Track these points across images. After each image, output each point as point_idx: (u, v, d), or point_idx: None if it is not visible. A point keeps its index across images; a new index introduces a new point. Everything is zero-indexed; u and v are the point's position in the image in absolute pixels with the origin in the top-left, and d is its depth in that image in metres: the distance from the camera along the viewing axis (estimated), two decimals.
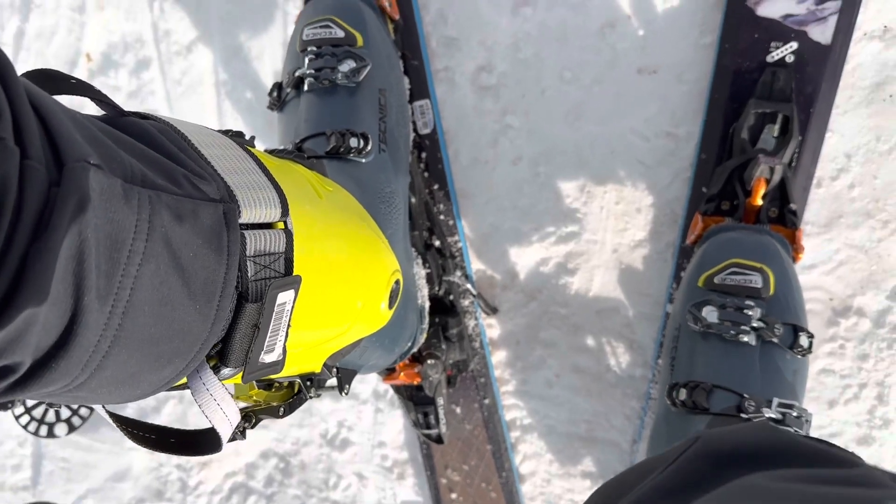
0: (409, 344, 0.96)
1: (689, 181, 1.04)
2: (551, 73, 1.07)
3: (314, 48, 0.90)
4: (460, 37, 1.09)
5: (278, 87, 0.93)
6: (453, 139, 1.14)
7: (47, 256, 0.36)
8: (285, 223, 0.56)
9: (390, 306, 0.81)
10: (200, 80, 1.22)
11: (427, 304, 0.98)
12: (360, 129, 0.86)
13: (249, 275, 0.50)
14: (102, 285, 0.39)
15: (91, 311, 0.39)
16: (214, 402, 0.51)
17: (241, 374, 0.53)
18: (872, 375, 1.05)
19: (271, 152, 0.76)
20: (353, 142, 0.82)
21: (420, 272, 0.99)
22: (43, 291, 0.36)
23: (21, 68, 1.27)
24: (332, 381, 0.76)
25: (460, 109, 1.12)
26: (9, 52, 1.29)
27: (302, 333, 0.61)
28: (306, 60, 0.89)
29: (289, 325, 0.55)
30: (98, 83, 1.27)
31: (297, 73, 0.89)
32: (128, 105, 1.27)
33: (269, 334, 0.53)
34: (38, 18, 1.27)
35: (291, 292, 0.54)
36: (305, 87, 0.89)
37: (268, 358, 0.54)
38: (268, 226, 0.54)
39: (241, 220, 0.50)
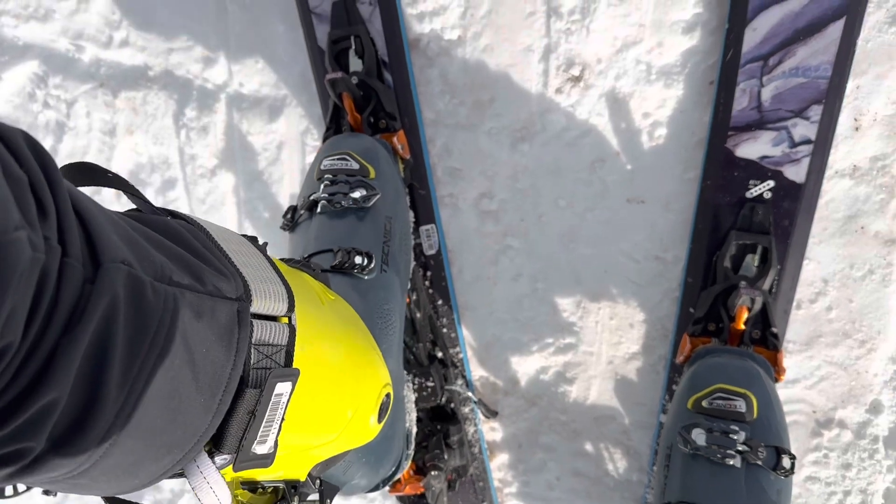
0: (394, 469, 0.97)
1: (677, 301, 1.12)
2: (547, 200, 1.15)
3: (330, 176, 0.98)
4: (463, 167, 1.18)
5: (293, 209, 1.01)
6: (457, 258, 1.22)
7: (75, 349, 0.39)
8: (290, 318, 0.59)
9: (379, 420, 0.83)
10: (223, 200, 1.31)
11: (414, 430, 1.01)
12: (364, 248, 0.91)
13: (252, 362, 0.53)
14: (120, 376, 0.42)
15: (107, 399, 0.41)
16: (207, 485, 0.53)
17: (231, 465, 0.55)
18: (856, 483, 1.11)
19: (286, 260, 0.80)
20: (358, 259, 0.88)
21: (410, 396, 1.02)
22: (67, 382, 0.39)
23: None
24: (314, 496, 0.77)
25: (464, 231, 1.20)
26: None
27: (292, 435, 0.63)
28: (321, 186, 0.97)
29: (282, 419, 0.57)
30: (125, 200, 1.36)
31: (311, 197, 0.97)
32: None
33: (263, 423, 0.55)
34: (70, 139, 1.36)
35: (289, 384, 0.56)
36: (318, 210, 0.96)
37: (259, 449, 0.56)
38: (273, 318, 0.57)
39: (251, 310, 0.53)
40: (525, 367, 1.22)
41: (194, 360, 0.47)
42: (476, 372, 1.25)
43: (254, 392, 0.52)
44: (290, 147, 1.25)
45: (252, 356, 0.53)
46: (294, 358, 0.58)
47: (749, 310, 1.03)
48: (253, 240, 0.68)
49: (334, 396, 0.70)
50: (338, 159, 0.99)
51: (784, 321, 1.09)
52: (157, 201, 1.34)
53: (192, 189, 1.32)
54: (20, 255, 0.35)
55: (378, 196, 0.96)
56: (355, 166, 0.98)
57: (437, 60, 1.14)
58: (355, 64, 1.10)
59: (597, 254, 1.15)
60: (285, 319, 0.58)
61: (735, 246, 1.05)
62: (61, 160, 1.38)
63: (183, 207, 1.33)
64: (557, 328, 1.19)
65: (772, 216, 1.04)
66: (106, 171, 0.54)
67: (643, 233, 1.13)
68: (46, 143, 1.38)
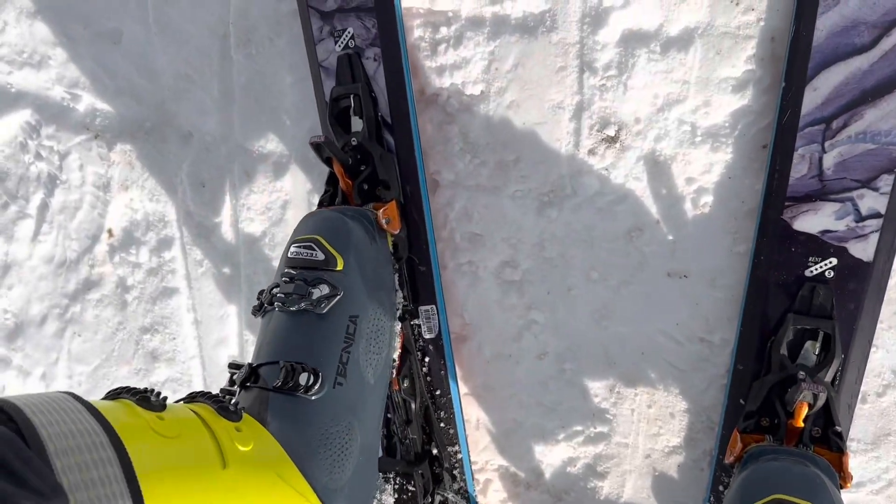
0: None
1: (725, 389, 0.99)
2: (578, 272, 1.04)
3: (291, 270, 0.89)
4: (484, 233, 1.07)
5: (261, 294, 0.92)
6: (476, 332, 1.10)
7: None
8: None
9: None
10: (222, 261, 1.21)
11: None
12: (314, 362, 0.83)
13: None
14: None
15: None
16: None
17: None
18: None
19: (204, 395, 0.75)
20: (303, 378, 0.81)
21: (389, 500, 0.95)
22: None
23: (44, 239, 1.27)
24: None
25: (483, 303, 1.09)
26: (31, 225, 1.30)
27: None
28: (282, 281, 0.88)
29: None
30: (118, 259, 1.26)
31: (273, 291, 0.89)
32: (148, 282, 1.26)
33: None
34: (62, 194, 1.28)
35: None
36: (276, 308, 0.87)
37: None
38: None
39: None
40: (550, 457, 1.10)
41: None
42: (495, 460, 1.12)
43: None
44: (296, 206, 1.15)
45: None
46: None
47: (810, 406, 0.90)
48: (143, 401, 0.64)
49: None
50: (304, 247, 0.90)
51: (848, 417, 0.96)
52: (151, 262, 1.25)
53: (190, 250, 1.22)
54: None
55: (338, 297, 0.87)
56: (320, 257, 0.89)
57: (458, 117, 1.04)
58: (356, 124, 1.01)
59: (633, 333, 1.03)
60: None
61: (793, 331, 0.93)
62: (52, 215, 1.29)
63: (179, 269, 1.23)
64: (588, 415, 1.07)
65: (834, 298, 0.92)
66: None
67: (686, 311, 1.01)
68: (37, 196, 1.29)
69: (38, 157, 1.27)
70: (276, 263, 1.18)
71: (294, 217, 1.15)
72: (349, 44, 1.01)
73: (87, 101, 1.22)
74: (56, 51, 1.22)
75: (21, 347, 1.37)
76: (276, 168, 1.15)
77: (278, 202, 1.16)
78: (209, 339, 1.24)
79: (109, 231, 1.26)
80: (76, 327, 1.32)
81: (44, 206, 1.29)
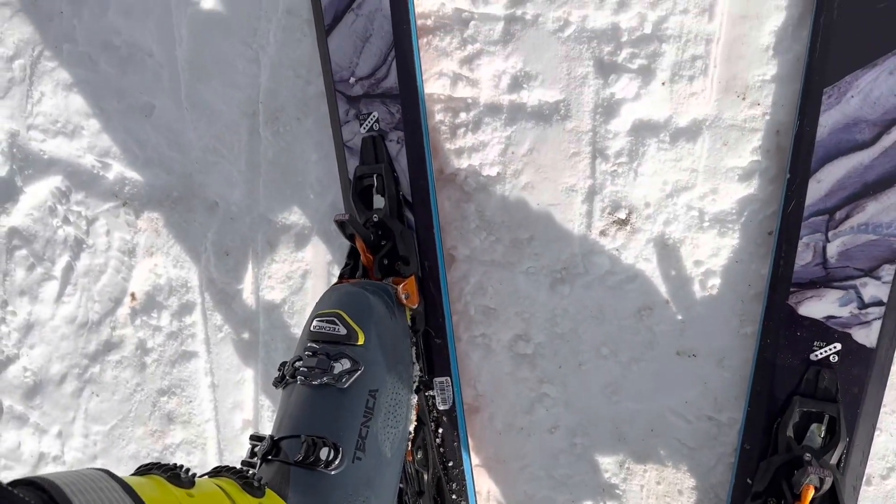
0: None
1: (732, 467, 1.01)
2: (589, 347, 1.07)
3: (314, 344, 0.92)
4: (498, 307, 1.10)
5: (283, 366, 0.95)
6: (488, 404, 1.12)
7: None
8: None
9: None
10: (242, 327, 1.23)
11: None
12: (335, 437, 0.85)
13: None
14: None
15: None
16: None
17: None
18: None
19: (228, 469, 0.77)
20: (324, 453, 0.83)
21: None
22: None
23: (67, 301, 1.31)
24: None
25: (496, 375, 1.12)
26: (55, 286, 1.34)
27: None
28: (305, 355, 0.91)
29: None
30: (139, 322, 1.29)
31: (295, 364, 0.91)
32: (167, 345, 1.29)
33: None
34: (88, 257, 1.31)
35: None
36: (298, 381, 0.90)
37: None
38: None
39: None
40: None
41: None
42: None
43: None
44: (316, 276, 1.19)
45: None
46: None
47: (817, 489, 0.91)
48: (173, 477, 0.66)
49: None
50: (326, 321, 0.93)
51: (853, 499, 0.97)
52: (172, 326, 1.28)
53: (210, 315, 1.25)
54: None
55: (359, 372, 0.90)
56: (342, 332, 0.92)
57: (475, 196, 1.08)
58: (378, 202, 1.05)
59: (643, 410, 1.05)
60: None
61: (798, 413, 0.95)
62: (76, 277, 1.33)
63: (199, 333, 1.26)
64: (597, 490, 1.08)
65: (839, 382, 0.95)
66: None
67: (695, 390, 1.03)
68: (63, 259, 1.33)
69: (66, 221, 1.31)
70: (294, 331, 1.21)
71: (314, 286, 1.19)
72: (374, 126, 1.06)
73: (117, 170, 1.27)
74: (89, 121, 1.27)
75: (39, 405, 1.39)
76: (298, 239, 1.19)
77: (299, 272, 1.20)
78: (225, 403, 1.27)
79: (132, 295, 1.30)
80: (94, 387, 1.35)
81: (69, 269, 1.33)
